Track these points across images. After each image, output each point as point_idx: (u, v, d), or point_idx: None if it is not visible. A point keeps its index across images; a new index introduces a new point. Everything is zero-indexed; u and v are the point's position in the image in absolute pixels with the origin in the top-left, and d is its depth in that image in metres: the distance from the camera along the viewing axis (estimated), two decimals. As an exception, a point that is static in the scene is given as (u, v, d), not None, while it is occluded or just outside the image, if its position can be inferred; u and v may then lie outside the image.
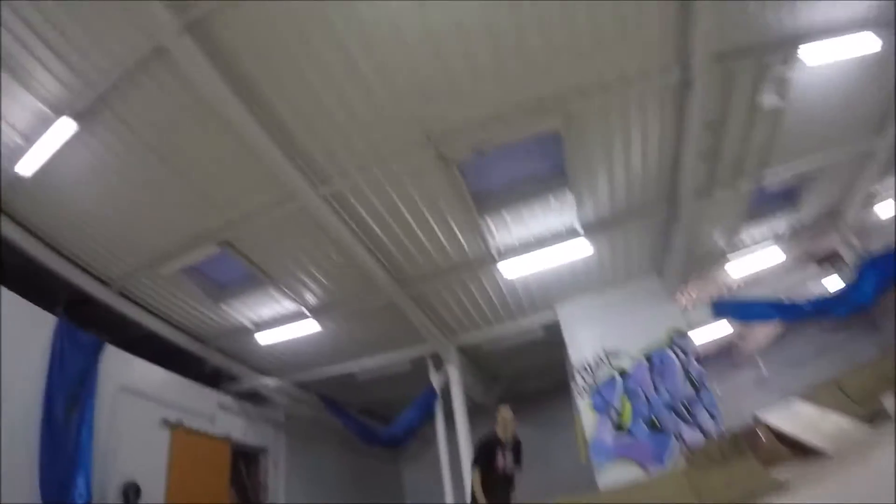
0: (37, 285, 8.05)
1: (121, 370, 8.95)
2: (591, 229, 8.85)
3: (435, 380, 11.81)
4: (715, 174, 8.33)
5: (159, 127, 6.43)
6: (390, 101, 6.33)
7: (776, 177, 9.03)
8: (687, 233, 8.91)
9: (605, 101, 6.61)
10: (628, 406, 9.78)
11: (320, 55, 5.76)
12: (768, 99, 7.00)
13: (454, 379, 11.56)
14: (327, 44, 5.65)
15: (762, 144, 8.14)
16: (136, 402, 9.10)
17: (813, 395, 7.08)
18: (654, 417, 9.53)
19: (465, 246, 8.89)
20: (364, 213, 7.89)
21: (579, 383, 10.35)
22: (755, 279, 11.83)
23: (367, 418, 14.39)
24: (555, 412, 14.06)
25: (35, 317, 7.83)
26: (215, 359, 11.20)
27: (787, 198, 10.33)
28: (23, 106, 6.05)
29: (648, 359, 10.01)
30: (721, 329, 12.24)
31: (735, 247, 10.90)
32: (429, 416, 11.74)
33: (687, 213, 8.39)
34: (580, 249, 9.12)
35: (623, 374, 10.04)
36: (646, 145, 7.41)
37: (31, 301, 7.78)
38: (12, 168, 6.60)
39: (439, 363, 11.83)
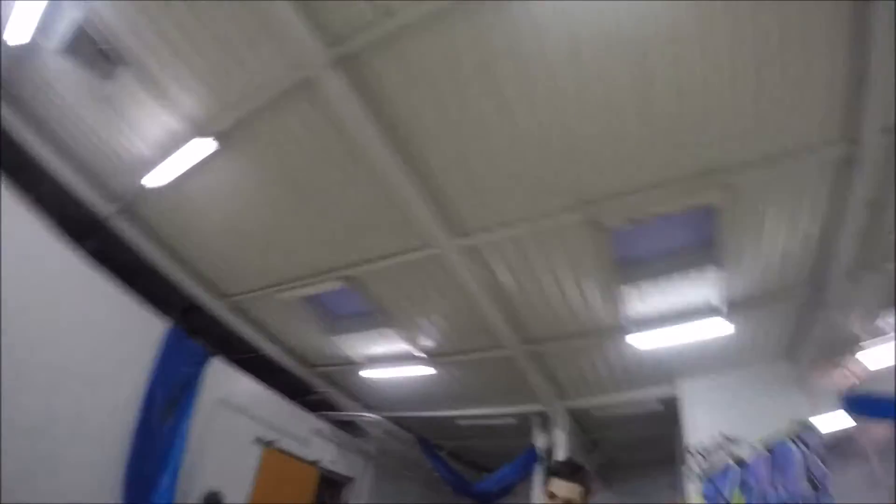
0: (154, 290, 8.11)
1: (223, 383, 8.85)
2: (729, 308, 7.94)
3: (539, 440, 11.08)
4: (865, 255, 7.12)
5: (297, 158, 6.19)
6: (546, 160, 5.79)
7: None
8: (828, 318, 7.88)
9: (767, 175, 5.82)
10: (742, 500, 8.56)
11: (479, 106, 5.30)
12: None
13: (560, 442, 10.79)
14: (487, 95, 5.18)
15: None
16: (233, 416, 9.00)
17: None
18: (768, 516, 8.31)
19: (599, 313, 8.19)
20: (499, 269, 7.39)
21: (691, 467, 9.25)
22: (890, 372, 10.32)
23: (456, 462, 13.83)
24: (647, 486, 13.06)
25: (148, 319, 7.85)
26: (318, 385, 11.04)
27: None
28: (158, 123, 5.97)
29: (770, 451, 8.79)
30: (839, 419, 10.77)
31: (874, 335, 9.53)
32: (526, 474, 11.04)
33: (832, 297, 7.40)
34: (716, 328, 8.20)
35: (740, 463, 8.84)
36: (799, 222, 6.51)
37: (147, 304, 7.84)
38: (141, 180, 6.63)
39: (546, 423, 11.11)
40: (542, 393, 10.22)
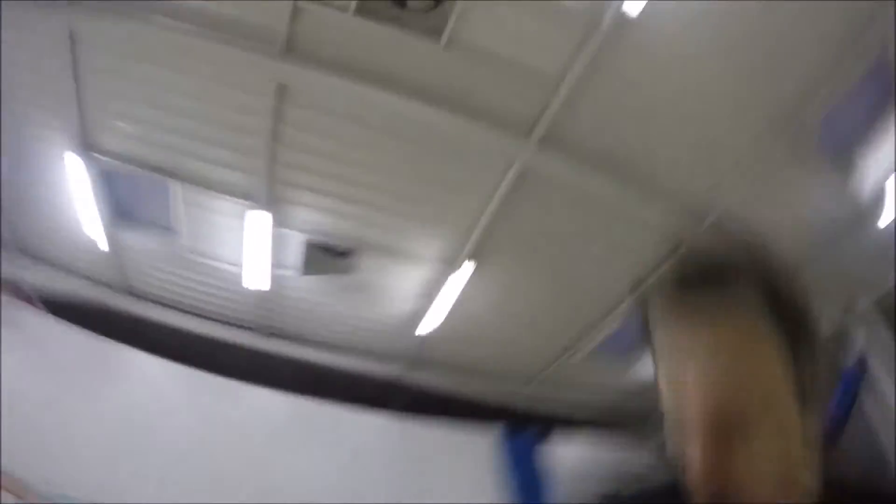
0: (468, 409, 8.49)
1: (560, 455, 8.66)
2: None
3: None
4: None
5: (541, 244, 6.55)
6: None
7: None
8: None
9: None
10: None
11: (655, 104, 5.40)
12: None
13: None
14: (660, 91, 5.28)
15: None
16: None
17: None
18: None
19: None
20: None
21: None
22: None
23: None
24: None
25: (472, 441, 8.18)
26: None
27: None
28: (412, 279, 6.74)
29: None
30: None
31: None
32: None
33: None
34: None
35: None
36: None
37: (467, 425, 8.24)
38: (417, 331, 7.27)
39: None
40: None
